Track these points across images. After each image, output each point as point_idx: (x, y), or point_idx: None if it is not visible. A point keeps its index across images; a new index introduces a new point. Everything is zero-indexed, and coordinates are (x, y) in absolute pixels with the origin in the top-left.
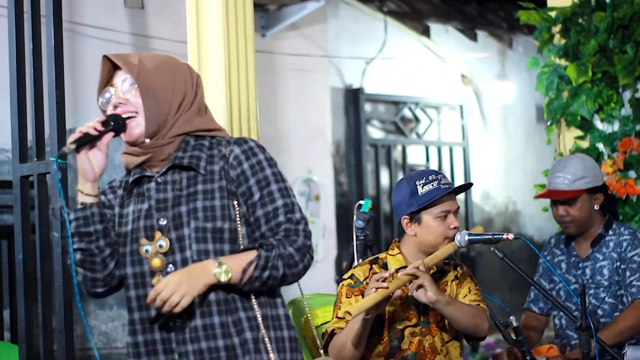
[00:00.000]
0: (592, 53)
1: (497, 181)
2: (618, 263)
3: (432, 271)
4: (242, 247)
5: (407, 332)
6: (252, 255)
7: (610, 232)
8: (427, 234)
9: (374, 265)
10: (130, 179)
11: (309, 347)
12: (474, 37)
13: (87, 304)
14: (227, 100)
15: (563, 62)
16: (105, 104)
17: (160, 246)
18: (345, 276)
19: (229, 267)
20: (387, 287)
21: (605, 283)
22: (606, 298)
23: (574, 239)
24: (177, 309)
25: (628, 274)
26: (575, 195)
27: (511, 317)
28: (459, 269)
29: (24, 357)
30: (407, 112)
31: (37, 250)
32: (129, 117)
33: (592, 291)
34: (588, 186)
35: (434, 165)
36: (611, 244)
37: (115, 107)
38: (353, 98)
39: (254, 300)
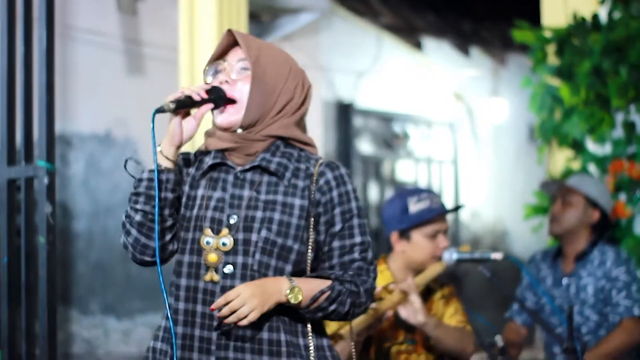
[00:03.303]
0: (586, 74)
1: (486, 200)
2: (603, 281)
3: (420, 289)
4: (307, 272)
5: (393, 350)
6: (325, 284)
7: (595, 250)
8: (416, 251)
9: None
10: (210, 162)
11: None
12: (467, 54)
13: (69, 310)
14: None
15: (556, 82)
16: (211, 75)
17: (224, 244)
18: None
19: (301, 291)
20: (375, 308)
21: (591, 301)
22: (591, 316)
23: (561, 254)
24: (244, 322)
25: (614, 292)
26: (573, 191)
27: (497, 336)
28: (445, 288)
29: None
30: (398, 128)
31: (22, 255)
32: (230, 99)
33: (576, 308)
34: (588, 193)
35: (423, 182)
36: (595, 262)
37: (221, 83)
38: (344, 112)
39: (309, 327)
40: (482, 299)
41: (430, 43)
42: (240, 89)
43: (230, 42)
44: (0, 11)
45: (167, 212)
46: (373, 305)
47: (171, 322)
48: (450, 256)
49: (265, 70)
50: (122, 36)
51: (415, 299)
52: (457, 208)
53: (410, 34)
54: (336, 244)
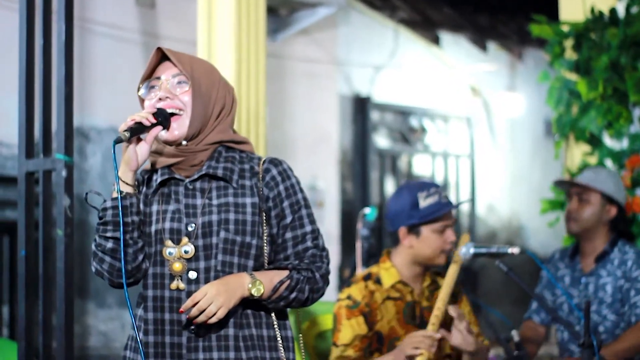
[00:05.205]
0: (603, 69)
1: (502, 194)
2: (622, 281)
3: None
4: (265, 265)
5: None
6: (283, 274)
7: (615, 250)
8: (425, 247)
9: (368, 282)
10: (159, 179)
11: (311, 352)
12: (484, 49)
13: (86, 303)
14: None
15: (574, 76)
16: (146, 94)
17: (186, 252)
18: (342, 296)
19: (262, 283)
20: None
21: (609, 300)
22: (608, 315)
23: (578, 252)
24: (213, 320)
25: (633, 293)
26: (589, 189)
27: (513, 331)
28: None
29: (23, 354)
30: (414, 122)
31: (39, 247)
32: (173, 114)
33: (594, 307)
34: (604, 189)
35: (439, 176)
36: (615, 261)
37: (160, 99)
38: (361, 106)
39: (274, 318)
40: (499, 293)
41: (448, 37)
42: (182, 101)
43: (158, 60)
44: (20, 4)
45: (135, 234)
46: (417, 351)
47: (136, 332)
48: (467, 250)
49: (200, 83)
50: (140, 29)
51: (462, 324)
52: (463, 202)
53: (427, 28)
54: (289, 235)
